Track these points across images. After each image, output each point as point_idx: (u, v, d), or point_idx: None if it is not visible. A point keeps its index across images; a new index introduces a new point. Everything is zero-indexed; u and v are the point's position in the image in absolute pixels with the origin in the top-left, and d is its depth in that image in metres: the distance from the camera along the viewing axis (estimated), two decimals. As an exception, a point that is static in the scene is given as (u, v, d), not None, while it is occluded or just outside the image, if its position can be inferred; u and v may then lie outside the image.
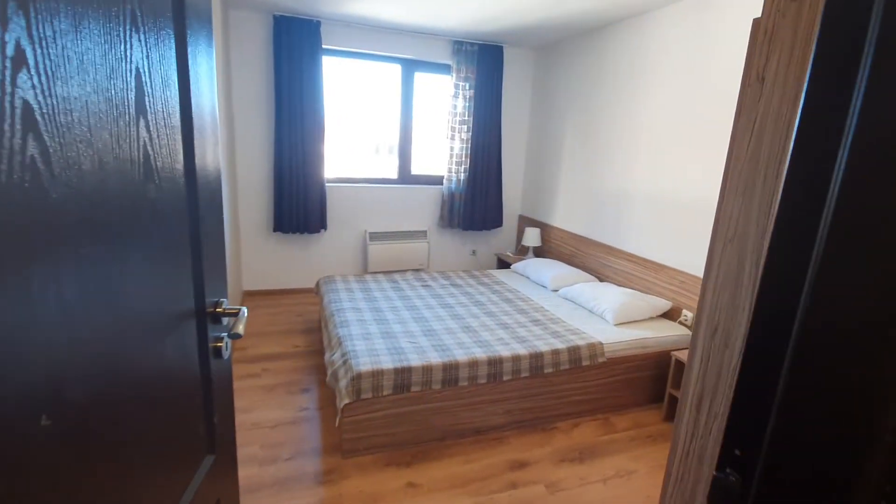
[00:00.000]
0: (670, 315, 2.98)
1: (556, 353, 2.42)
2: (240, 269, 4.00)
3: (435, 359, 2.23)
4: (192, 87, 0.83)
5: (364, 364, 2.12)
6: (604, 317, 2.87)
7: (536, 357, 2.38)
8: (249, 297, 4.08)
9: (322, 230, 4.18)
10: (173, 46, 0.76)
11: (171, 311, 0.76)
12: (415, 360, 2.20)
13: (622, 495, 1.99)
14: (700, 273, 2.76)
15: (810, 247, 0.46)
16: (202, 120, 0.87)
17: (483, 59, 4.24)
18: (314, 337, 3.36)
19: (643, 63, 3.21)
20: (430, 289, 3.37)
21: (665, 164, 3.05)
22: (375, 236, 4.36)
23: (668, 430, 2.47)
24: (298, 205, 3.97)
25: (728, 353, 1.06)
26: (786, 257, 0.51)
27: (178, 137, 0.78)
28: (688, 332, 2.78)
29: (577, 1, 3.02)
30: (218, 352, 0.92)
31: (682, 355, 2.46)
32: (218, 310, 0.93)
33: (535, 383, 2.41)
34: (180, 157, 0.79)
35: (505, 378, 2.32)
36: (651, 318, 2.91)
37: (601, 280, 3.59)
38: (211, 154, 0.92)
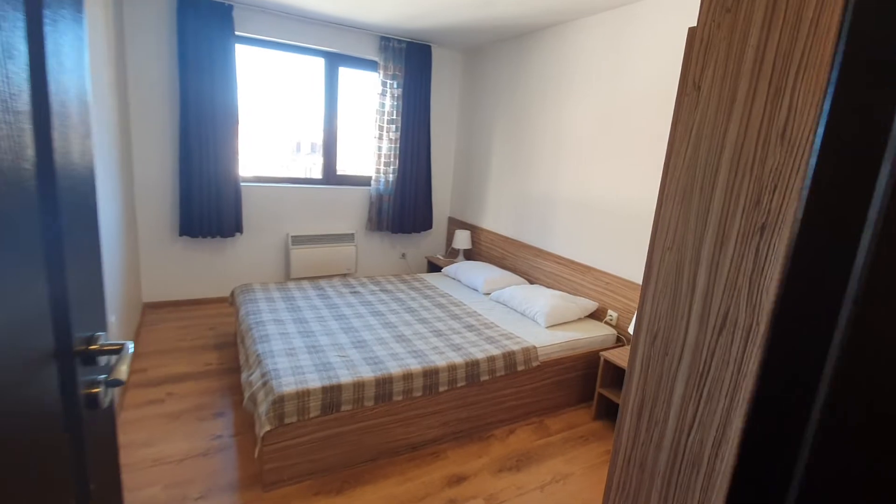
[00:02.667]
0: (596, 315, 3.08)
1: (491, 359, 2.38)
2: (139, 279, 3.53)
3: (367, 373, 2.09)
4: (51, 62, 0.63)
5: (287, 384, 1.92)
6: (536, 320, 2.89)
7: (472, 365, 2.32)
8: (151, 309, 3.62)
9: (237, 234, 3.82)
10: (22, 7, 0.57)
11: (16, 355, 0.57)
12: (345, 377, 2.04)
13: (559, 501, 1.99)
14: (624, 275, 2.88)
15: (841, 290, 0.41)
16: (66, 105, 0.68)
17: (411, 58, 4.13)
18: (229, 353, 3.04)
19: (567, 70, 3.30)
20: (360, 295, 3.20)
21: (588, 168, 3.14)
22: (299, 240, 4.08)
23: (600, 429, 2.53)
24: (209, 206, 3.59)
25: (668, 361, 1.06)
26: (808, 296, 0.46)
27: (27, 126, 0.59)
28: (614, 331, 2.88)
29: (504, 5, 3.02)
30: (93, 400, 0.73)
31: (610, 355, 2.53)
32: (92, 347, 0.73)
33: (471, 392, 2.34)
34: (30, 151, 0.59)
35: (441, 389, 2.23)
36: (580, 319, 2.98)
37: (531, 282, 3.64)
38: (79, 148, 0.72)
